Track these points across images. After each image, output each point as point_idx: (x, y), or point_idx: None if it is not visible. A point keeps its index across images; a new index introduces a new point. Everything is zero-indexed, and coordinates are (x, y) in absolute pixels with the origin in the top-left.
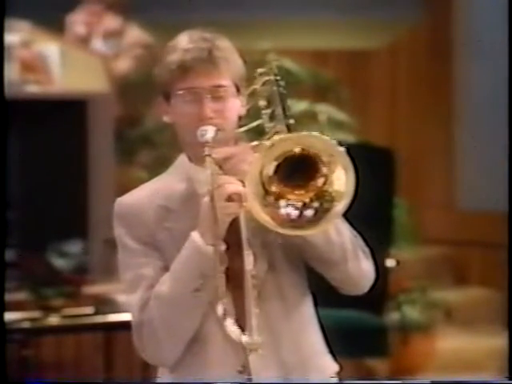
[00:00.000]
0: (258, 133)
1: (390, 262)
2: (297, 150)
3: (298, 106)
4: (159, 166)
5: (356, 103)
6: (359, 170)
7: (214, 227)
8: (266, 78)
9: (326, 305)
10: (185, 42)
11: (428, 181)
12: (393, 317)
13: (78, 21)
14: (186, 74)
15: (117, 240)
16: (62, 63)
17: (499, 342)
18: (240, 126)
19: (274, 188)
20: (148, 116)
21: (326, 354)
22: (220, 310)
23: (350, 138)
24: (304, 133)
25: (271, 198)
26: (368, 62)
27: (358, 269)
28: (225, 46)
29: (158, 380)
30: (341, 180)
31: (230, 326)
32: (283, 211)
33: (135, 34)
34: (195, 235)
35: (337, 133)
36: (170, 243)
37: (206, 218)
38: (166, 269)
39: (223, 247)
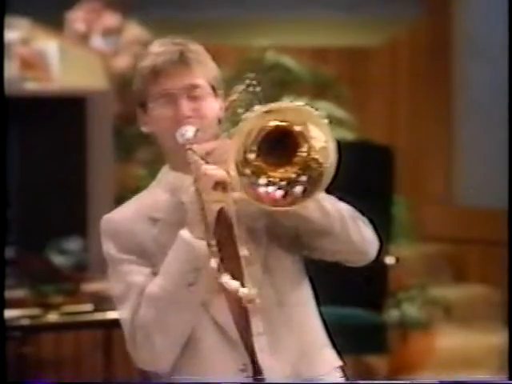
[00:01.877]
0: None
1: (389, 260)
2: (272, 123)
3: (298, 103)
4: (158, 163)
5: (355, 101)
6: (358, 168)
7: (201, 219)
8: (244, 87)
9: (326, 302)
10: (156, 47)
11: (427, 178)
12: (392, 314)
13: (77, 18)
14: (158, 77)
15: (105, 256)
16: (61, 60)
17: (498, 339)
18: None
19: (252, 160)
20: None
21: (328, 347)
22: (213, 263)
23: (349, 136)
24: (274, 103)
25: (251, 175)
26: (367, 59)
27: (361, 235)
28: (197, 49)
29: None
30: (319, 137)
31: (227, 278)
32: (262, 190)
33: (134, 31)
34: (183, 232)
35: (336, 130)
36: (157, 251)
37: (193, 211)
38: (154, 275)
39: (210, 236)
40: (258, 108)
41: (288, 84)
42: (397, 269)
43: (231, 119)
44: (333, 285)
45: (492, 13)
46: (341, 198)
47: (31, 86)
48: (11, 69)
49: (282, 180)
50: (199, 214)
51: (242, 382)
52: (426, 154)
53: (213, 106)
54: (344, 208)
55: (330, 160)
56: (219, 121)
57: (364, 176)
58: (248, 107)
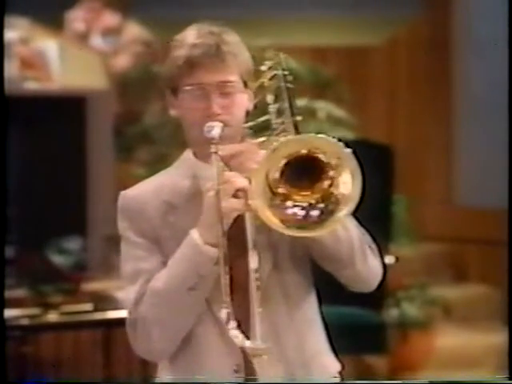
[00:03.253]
0: (266, 128)
1: (388, 259)
2: (303, 151)
3: (297, 103)
4: (158, 163)
5: (355, 100)
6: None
7: (215, 225)
8: (274, 72)
9: (325, 301)
10: (192, 36)
11: (427, 177)
12: (392, 313)
13: (76, 17)
14: (193, 69)
15: (120, 233)
16: (61, 60)
17: (498, 338)
18: (247, 121)
19: (280, 190)
20: (147, 113)
21: (328, 353)
22: (223, 314)
23: (349, 135)
24: (310, 134)
25: (278, 200)
26: (367, 58)
27: (366, 266)
28: (232, 41)
29: (157, 379)
30: (347, 184)
31: (233, 330)
32: (290, 211)
33: (134, 30)
34: (194, 233)
35: (336, 129)
36: (171, 239)
37: (209, 215)
38: (164, 264)
39: (224, 244)
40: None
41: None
42: (396, 268)
43: (259, 109)
44: (332, 284)
45: (492, 11)
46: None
47: (31, 86)
48: (11, 68)
49: (303, 202)
50: (214, 219)
51: (240, 382)
52: (425, 154)
53: (243, 101)
54: (355, 236)
55: (347, 207)
56: (247, 112)
57: (364, 175)
58: (277, 93)
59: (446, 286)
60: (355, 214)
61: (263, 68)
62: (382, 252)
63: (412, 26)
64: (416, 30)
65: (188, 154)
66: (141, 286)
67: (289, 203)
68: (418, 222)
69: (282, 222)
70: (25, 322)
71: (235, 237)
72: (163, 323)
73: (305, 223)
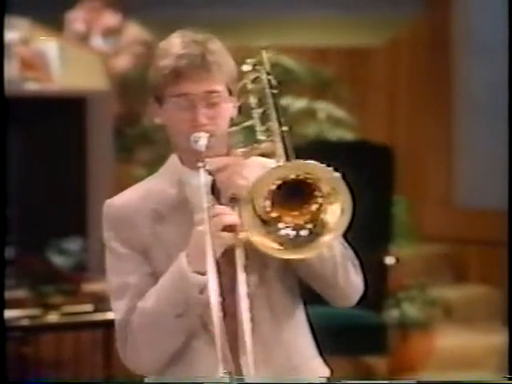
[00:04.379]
0: (250, 130)
1: (389, 260)
2: (292, 176)
3: (297, 103)
4: (158, 164)
5: (355, 100)
6: (358, 168)
7: (204, 256)
8: (257, 74)
9: (325, 303)
10: (177, 46)
11: (427, 178)
12: (392, 314)
13: (77, 18)
14: (178, 79)
15: (106, 243)
16: (61, 60)
17: (498, 339)
18: (231, 126)
19: (273, 214)
20: (147, 113)
21: (316, 357)
22: (221, 374)
23: (349, 136)
24: (301, 161)
25: (271, 224)
26: (367, 59)
27: (348, 283)
28: (217, 50)
29: (146, 380)
30: (335, 214)
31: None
32: (283, 232)
33: (134, 31)
34: (183, 260)
35: (336, 130)
36: (158, 249)
37: (198, 246)
38: (153, 275)
39: (216, 277)
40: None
41: (288, 84)
42: (397, 269)
43: (243, 112)
44: None
45: (492, 11)
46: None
47: (31, 86)
48: (11, 69)
49: (293, 223)
50: (202, 251)
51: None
52: (426, 154)
53: (228, 110)
54: (338, 253)
55: (333, 235)
56: (232, 119)
57: (364, 176)
58: (260, 95)
59: (446, 287)
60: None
61: (245, 68)
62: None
63: (412, 26)
64: (416, 30)
65: (174, 159)
66: (129, 300)
67: (281, 225)
68: (418, 223)
69: (280, 244)
70: (25, 322)
71: (222, 258)
72: (152, 343)
73: (296, 243)
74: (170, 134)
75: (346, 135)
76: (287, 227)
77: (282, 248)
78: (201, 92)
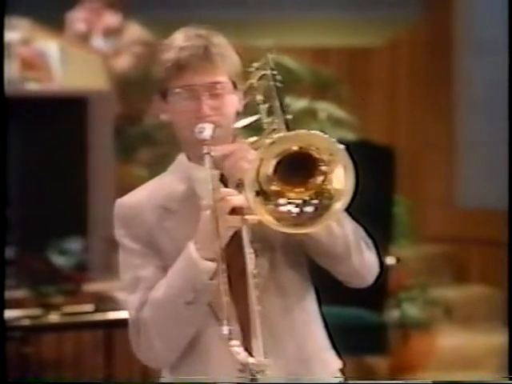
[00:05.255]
0: (256, 128)
1: (389, 260)
2: (295, 147)
3: (298, 103)
4: (159, 164)
5: (356, 101)
6: (359, 168)
7: (211, 241)
8: (263, 72)
9: (326, 302)
10: (180, 39)
11: (428, 178)
12: (393, 314)
13: (77, 18)
14: (182, 71)
15: (117, 240)
16: (61, 61)
17: (499, 339)
18: (237, 122)
19: (273, 187)
20: (148, 113)
21: (329, 349)
22: (225, 331)
23: (349, 136)
24: (302, 130)
25: (271, 197)
26: (368, 59)
27: (362, 261)
28: (220, 43)
29: (162, 379)
30: (340, 178)
31: (236, 348)
32: (283, 209)
33: (135, 31)
34: (191, 248)
35: (337, 130)
36: (168, 243)
37: (206, 231)
38: (164, 269)
39: (222, 262)
40: (287, 133)
41: (288, 84)
42: (397, 269)
43: (249, 109)
44: (333, 285)
45: (492, 11)
46: (349, 213)
47: (32, 87)
48: (11, 69)
49: (297, 199)
50: (210, 236)
51: (244, 382)
52: (426, 154)
53: (233, 102)
54: (350, 231)
55: (342, 202)
56: (237, 113)
57: (364, 176)
58: (266, 93)
59: (446, 287)
60: (351, 210)
61: (252, 69)
62: (378, 248)
63: (413, 27)
64: (417, 31)
65: (181, 158)
66: (142, 293)
67: (282, 201)
68: (419, 223)
69: (277, 219)
70: (26, 322)
71: (231, 242)
72: (164, 333)
73: (300, 220)
74: (175, 130)
75: (347, 135)
76: (289, 203)
77: (281, 223)
78: (204, 83)
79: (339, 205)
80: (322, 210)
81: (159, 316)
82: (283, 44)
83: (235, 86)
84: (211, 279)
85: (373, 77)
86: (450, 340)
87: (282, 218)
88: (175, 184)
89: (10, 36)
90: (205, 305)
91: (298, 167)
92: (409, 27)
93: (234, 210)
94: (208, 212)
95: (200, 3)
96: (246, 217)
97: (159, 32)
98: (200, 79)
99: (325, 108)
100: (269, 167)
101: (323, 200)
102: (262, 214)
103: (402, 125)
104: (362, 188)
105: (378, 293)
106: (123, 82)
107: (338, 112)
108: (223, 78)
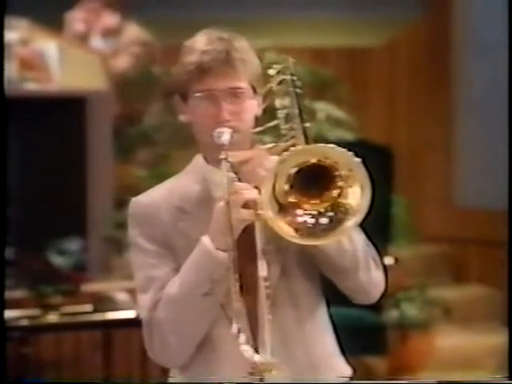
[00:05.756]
0: (275, 132)
1: (388, 260)
2: (313, 160)
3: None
4: (158, 164)
5: (355, 101)
6: None
7: (226, 232)
8: (282, 77)
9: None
10: (203, 42)
11: (427, 178)
12: (391, 314)
13: (76, 18)
14: (203, 75)
15: (130, 240)
16: (60, 61)
17: (498, 339)
18: (256, 126)
19: (291, 199)
20: (147, 113)
21: (338, 356)
22: (234, 328)
23: (348, 136)
24: (321, 144)
25: (289, 209)
26: (367, 59)
27: (369, 277)
28: (242, 47)
29: (171, 380)
30: (356, 195)
31: (244, 345)
32: (300, 220)
33: (134, 31)
34: (205, 239)
35: (335, 130)
36: (183, 245)
37: (219, 222)
38: (177, 270)
39: (234, 253)
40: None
41: None
42: (396, 269)
43: (267, 113)
44: (332, 285)
45: (492, 11)
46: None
47: (31, 87)
48: (11, 69)
49: (313, 210)
50: (224, 227)
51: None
52: (425, 154)
53: (252, 107)
54: (360, 247)
55: (355, 218)
56: (256, 118)
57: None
58: (284, 96)
59: (445, 287)
60: (362, 225)
61: (271, 72)
62: (384, 264)
63: (412, 27)
64: (416, 31)
65: (199, 159)
66: (154, 293)
67: (299, 211)
68: (418, 223)
69: (296, 231)
70: (25, 322)
71: (245, 244)
72: (179, 329)
73: (314, 231)
74: (194, 132)
75: (346, 135)
76: (306, 214)
77: (298, 234)
78: (225, 88)
79: (352, 221)
80: (336, 223)
81: (174, 311)
82: (282, 44)
83: (255, 91)
84: (226, 270)
85: (372, 77)
86: (448, 340)
87: (298, 228)
88: (191, 185)
89: (10, 36)
90: (221, 296)
91: (315, 179)
92: (408, 27)
93: (247, 204)
94: (222, 204)
95: (199, 3)
96: (259, 211)
97: (158, 32)
98: (221, 84)
99: (323, 108)
100: (286, 179)
101: (338, 214)
102: (279, 227)
103: (400, 125)
104: None
105: None
106: (122, 82)
107: (337, 112)
108: (244, 84)
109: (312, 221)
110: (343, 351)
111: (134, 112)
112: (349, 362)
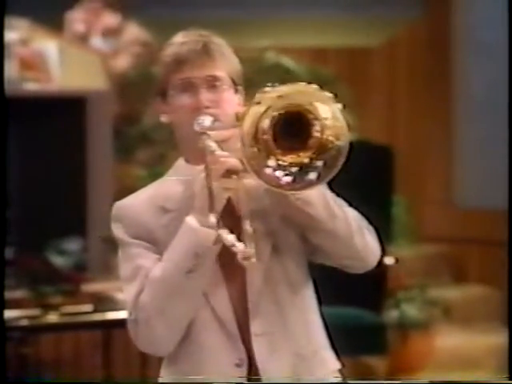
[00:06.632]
0: None
1: (388, 260)
2: (283, 107)
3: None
4: (158, 164)
5: (355, 100)
6: (358, 168)
7: (209, 205)
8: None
9: (325, 302)
10: (180, 37)
11: (427, 178)
12: (391, 314)
13: (76, 18)
14: (181, 65)
15: (116, 239)
16: (60, 61)
17: (498, 339)
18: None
19: (262, 138)
20: (147, 113)
21: (328, 348)
22: (212, 218)
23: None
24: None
25: (256, 149)
26: (367, 59)
27: (364, 243)
28: (220, 43)
29: (160, 379)
30: (326, 113)
31: (225, 234)
32: (269, 171)
33: (134, 31)
34: (189, 218)
35: None
36: (166, 239)
37: (201, 196)
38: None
39: (219, 221)
40: (269, 90)
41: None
42: (396, 269)
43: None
44: (332, 285)
45: (492, 11)
46: (349, 204)
47: (31, 87)
48: (11, 69)
49: (291, 165)
50: (207, 200)
51: (238, 379)
52: (425, 154)
53: (232, 99)
54: (351, 214)
55: (343, 137)
56: (237, 116)
57: (364, 176)
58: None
59: (445, 287)
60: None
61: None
62: (380, 236)
63: (412, 26)
64: (416, 30)
65: (180, 161)
66: (140, 281)
67: (271, 162)
68: (418, 223)
69: (266, 183)
70: (25, 322)
71: (231, 221)
72: (164, 312)
73: (292, 187)
74: (175, 132)
75: None
76: (280, 169)
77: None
78: (202, 76)
79: (345, 148)
80: (325, 172)
81: (159, 293)
82: (282, 44)
83: (235, 84)
84: (214, 244)
85: (371, 76)
86: (448, 340)
87: (269, 182)
88: (174, 186)
89: (10, 36)
90: (205, 276)
91: (292, 134)
92: (408, 27)
93: (229, 172)
94: (202, 175)
95: (199, 3)
96: (242, 179)
97: (158, 32)
98: (198, 72)
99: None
100: (262, 125)
101: (327, 156)
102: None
103: (400, 124)
104: (361, 187)
105: (377, 293)
106: (122, 82)
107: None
108: (221, 73)
109: (287, 179)
110: (341, 350)
111: (134, 112)
112: (339, 357)
